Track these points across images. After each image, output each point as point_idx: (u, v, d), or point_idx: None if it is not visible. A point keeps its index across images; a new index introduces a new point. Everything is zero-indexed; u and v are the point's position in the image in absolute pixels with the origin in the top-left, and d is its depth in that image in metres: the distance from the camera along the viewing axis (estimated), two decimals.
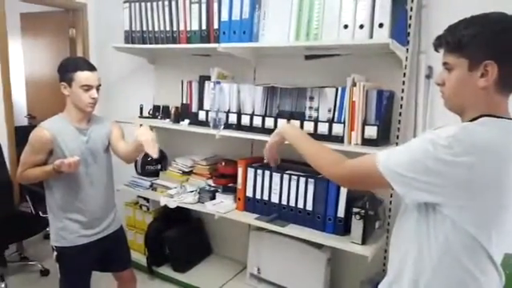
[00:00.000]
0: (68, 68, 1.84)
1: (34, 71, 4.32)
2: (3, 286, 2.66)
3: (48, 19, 3.99)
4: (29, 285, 2.82)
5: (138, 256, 2.91)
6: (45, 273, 2.92)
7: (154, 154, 1.76)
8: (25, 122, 4.47)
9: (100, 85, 1.90)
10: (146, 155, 2.87)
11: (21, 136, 3.26)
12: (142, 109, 2.99)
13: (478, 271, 0.97)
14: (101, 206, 1.98)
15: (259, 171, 2.36)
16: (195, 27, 2.48)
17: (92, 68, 1.87)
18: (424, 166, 0.94)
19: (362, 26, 1.91)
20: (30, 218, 3.02)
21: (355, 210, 2.03)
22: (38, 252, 3.19)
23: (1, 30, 2.95)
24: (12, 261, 2.99)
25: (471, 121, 0.98)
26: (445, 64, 1.05)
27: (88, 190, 1.92)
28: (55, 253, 1.90)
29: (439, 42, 1.06)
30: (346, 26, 1.95)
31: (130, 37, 2.80)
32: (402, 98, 2.12)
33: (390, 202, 2.24)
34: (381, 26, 1.87)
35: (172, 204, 2.58)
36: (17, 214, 3.06)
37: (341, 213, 2.11)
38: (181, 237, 2.85)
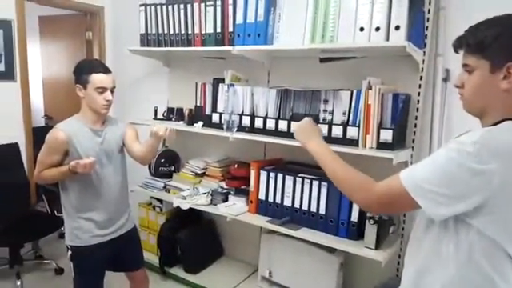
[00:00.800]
0: (83, 70, 1.86)
1: (51, 73, 4.39)
2: (19, 283, 2.69)
3: (65, 22, 4.05)
4: (44, 283, 2.85)
5: (151, 256, 2.92)
6: (59, 271, 2.95)
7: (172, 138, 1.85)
8: (42, 122, 4.54)
9: (114, 87, 1.92)
10: (160, 157, 2.93)
11: (38, 136, 3.31)
12: (156, 111, 3.02)
13: (499, 277, 0.95)
14: (115, 207, 2.00)
15: (272, 174, 2.35)
16: (210, 30, 2.49)
17: (107, 70, 1.89)
18: (450, 176, 0.92)
19: (378, 29, 1.89)
20: (46, 217, 3.06)
21: (369, 214, 2.00)
22: (53, 251, 3.22)
23: (20, 33, 3.01)
24: (28, 259, 3.03)
25: (494, 125, 0.96)
26: (465, 66, 1.03)
27: (103, 191, 1.94)
28: (69, 252, 1.93)
29: (459, 43, 1.03)
30: (361, 29, 1.93)
31: (145, 40, 2.83)
32: (418, 101, 2.09)
33: None
34: (397, 28, 1.85)
35: (185, 205, 2.59)
36: (33, 213, 3.10)
37: (354, 217, 2.09)
38: (193, 238, 2.86)
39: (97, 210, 1.93)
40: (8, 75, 2.97)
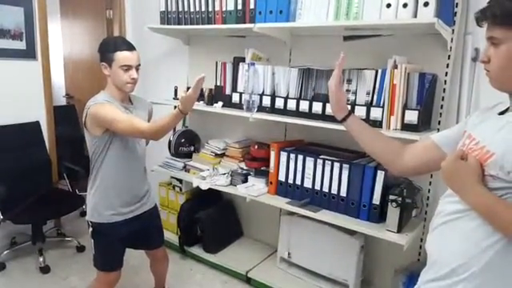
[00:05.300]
0: (108, 48, 1.85)
1: (72, 52, 4.40)
2: (41, 259, 2.75)
3: (86, 0, 4.03)
4: (65, 259, 2.92)
5: (171, 235, 2.96)
6: (80, 249, 3.02)
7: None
8: (63, 101, 4.56)
9: (139, 64, 1.90)
10: (180, 137, 2.93)
11: (59, 115, 3.36)
12: (176, 90, 3.00)
13: None
14: (139, 184, 2.02)
15: (292, 155, 2.32)
16: (231, 7, 2.44)
17: (131, 48, 1.87)
18: None
19: (405, 5, 1.82)
20: (67, 195, 3.12)
21: (392, 197, 1.96)
22: (74, 229, 3.29)
23: (41, 11, 3.00)
24: (50, 236, 3.10)
25: None
26: (490, 38, 0.97)
27: (133, 168, 1.96)
28: (90, 228, 1.95)
29: (483, 15, 0.97)
30: (388, 5, 1.86)
31: (165, 17, 2.79)
32: (445, 81, 2.02)
33: (429, 191, 2.16)
34: (426, 4, 1.77)
35: (204, 186, 2.59)
36: (55, 191, 3.16)
37: (376, 200, 2.05)
38: (212, 218, 2.87)
39: (123, 187, 1.94)
40: (29, 54, 2.97)
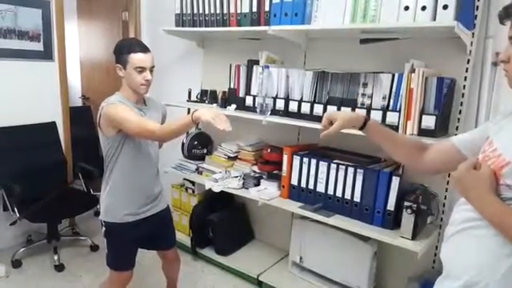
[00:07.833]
0: (122, 50, 1.86)
1: (88, 53, 4.46)
2: (56, 257, 2.79)
3: (102, 2, 4.08)
4: (79, 258, 2.95)
5: (183, 237, 2.97)
6: (94, 248, 3.05)
7: (228, 128, 1.71)
8: (79, 102, 4.63)
9: (154, 66, 1.91)
10: (193, 139, 2.93)
11: (75, 116, 3.40)
12: (190, 93, 3.01)
13: None
14: (151, 185, 2.02)
15: (305, 159, 2.30)
16: (245, 9, 2.43)
17: (145, 49, 1.87)
18: None
19: (424, 8, 1.78)
20: (82, 195, 3.15)
21: (407, 203, 1.93)
22: (88, 228, 3.33)
23: (58, 13, 3.04)
24: (65, 235, 3.14)
25: None
26: (511, 38, 0.94)
27: (146, 169, 1.97)
28: (104, 228, 1.96)
29: (506, 13, 0.94)
30: (406, 8, 1.82)
31: (180, 20, 2.80)
32: (464, 86, 1.98)
33: (445, 197, 2.11)
34: (445, 7, 1.73)
35: (216, 188, 2.58)
36: (70, 191, 3.19)
37: (391, 206, 2.02)
38: (224, 221, 2.86)
39: (136, 188, 1.95)
40: (46, 55, 3.02)
